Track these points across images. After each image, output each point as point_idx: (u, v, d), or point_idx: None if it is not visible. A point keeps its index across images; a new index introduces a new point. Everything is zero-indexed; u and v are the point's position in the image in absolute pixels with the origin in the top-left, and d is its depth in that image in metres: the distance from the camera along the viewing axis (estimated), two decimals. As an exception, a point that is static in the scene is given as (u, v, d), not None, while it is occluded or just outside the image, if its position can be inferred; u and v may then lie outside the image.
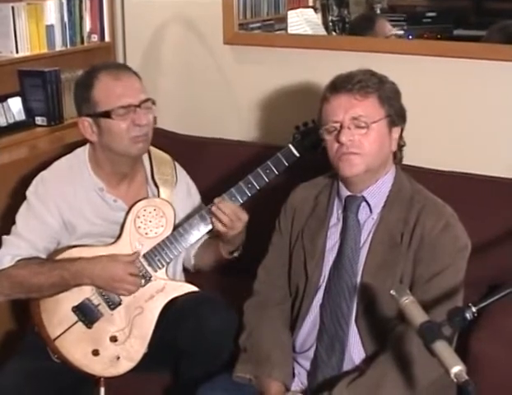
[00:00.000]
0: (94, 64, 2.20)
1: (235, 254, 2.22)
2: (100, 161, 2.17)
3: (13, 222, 2.15)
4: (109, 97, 2.07)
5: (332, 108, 1.86)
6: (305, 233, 1.97)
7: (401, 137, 1.94)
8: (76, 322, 2.10)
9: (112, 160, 2.15)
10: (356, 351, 1.85)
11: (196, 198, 2.37)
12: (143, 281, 2.11)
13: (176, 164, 2.34)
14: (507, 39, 2.48)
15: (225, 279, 2.46)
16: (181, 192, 2.29)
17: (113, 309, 2.11)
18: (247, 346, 1.96)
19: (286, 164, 2.16)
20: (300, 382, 1.94)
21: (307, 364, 1.93)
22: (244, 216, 2.09)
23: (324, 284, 1.91)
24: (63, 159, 2.23)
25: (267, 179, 2.15)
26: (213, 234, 2.21)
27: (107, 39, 3.07)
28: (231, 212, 2.07)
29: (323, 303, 1.90)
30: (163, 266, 2.14)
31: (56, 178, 2.17)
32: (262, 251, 2.09)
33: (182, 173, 2.35)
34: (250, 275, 2.08)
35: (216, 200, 2.09)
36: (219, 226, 2.09)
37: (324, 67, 2.22)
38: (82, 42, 2.98)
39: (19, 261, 2.09)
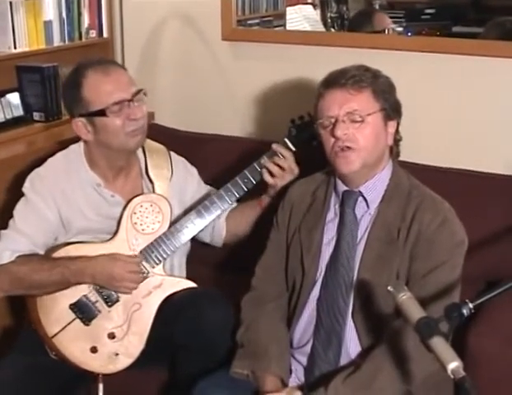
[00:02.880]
0: (78, 62, 2.17)
1: None
2: (96, 158, 2.16)
3: (10, 217, 2.14)
4: (101, 95, 2.05)
5: (326, 103, 1.86)
6: (302, 228, 1.97)
7: (397, 131, 1.94)
8: (73, 320, 2.10)
9: (108, 156, 2.15)
10: (352, 346, 1.85)
11: (192, 189, 2.33)
12: (142, 277, 2.11)
13: (172, 154, 2.32)
14: (503, 35, 2.48)
15: (223, 277, 2.46)
16: (177, 185, 2.28)
17: (110, 305, 2.11)
18: (244, 341, 1.96)
19: None
20: (297, 378, 1.93)
21: (304, 360, 1.92)
22: (297, 170, 2.16)
23: (321, 279, 1.90)
24: (58, 155, 2.21)
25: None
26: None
27: (105, 34, 3.07)
28: (289, 161, 2.14)
29: (320, 298, 1.89)
30: (160, 262, 2.14)
31: (52, 175, 2.16)
32: (260, 249, 2.08)
33: (178, 164, 2.32)
34: (248, 273, 2.07)
35: (275, 146, 2.16)
36: (267, 177, 2.15)
37: (323, 63, 2.21)
38: (80, 38, 2.98)
39: (18, 257, 2.07)
